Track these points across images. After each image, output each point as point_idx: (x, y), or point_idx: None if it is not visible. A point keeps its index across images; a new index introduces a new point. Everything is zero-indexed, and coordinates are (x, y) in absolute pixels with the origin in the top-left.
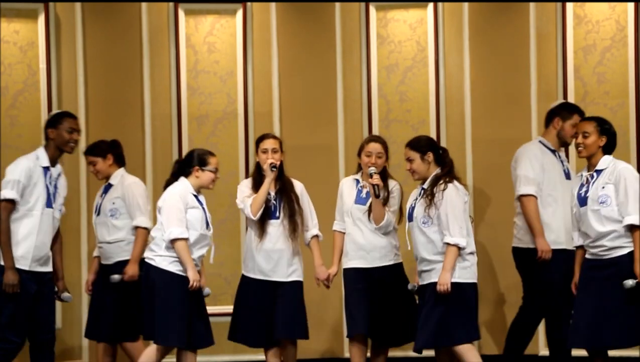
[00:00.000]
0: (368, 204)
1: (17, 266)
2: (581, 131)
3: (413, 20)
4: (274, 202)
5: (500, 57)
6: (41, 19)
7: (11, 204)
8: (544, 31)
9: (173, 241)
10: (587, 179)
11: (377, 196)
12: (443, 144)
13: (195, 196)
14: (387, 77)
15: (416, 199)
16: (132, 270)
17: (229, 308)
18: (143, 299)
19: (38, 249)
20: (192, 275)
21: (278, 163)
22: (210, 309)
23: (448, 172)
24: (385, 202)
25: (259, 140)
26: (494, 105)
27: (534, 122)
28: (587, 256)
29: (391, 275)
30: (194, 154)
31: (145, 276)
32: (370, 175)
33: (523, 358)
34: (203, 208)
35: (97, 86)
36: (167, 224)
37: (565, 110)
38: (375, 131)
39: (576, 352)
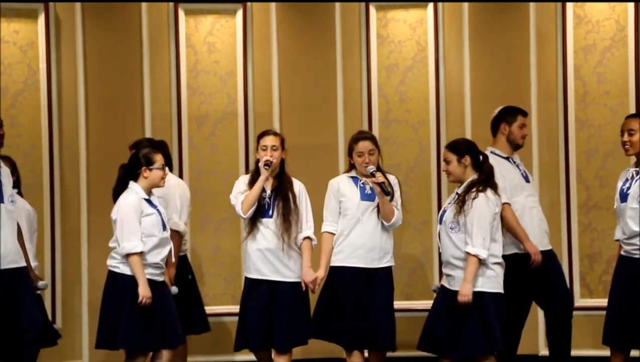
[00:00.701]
0: (376, 201)
1: None
2: (626, 129)
3: (413, 20)
4: (269, 200)
5: (500, 57)
6: (41, 19)
7: None
8: (544, 31)
9: (126, 256)
10: (633, 175)
11: (387, 194)
12: (443, 144)
13: (148, 201)
14: (387, 77)
15: (449, 203)
16: (171, 273)
17: (229, 308)
18: (107, 306)
19: (5, 245)
20: (141, 290)
21: (274, 161)
22: (209, 309)
23: (484, 179)
24: (392, 197)
25: (260, 136)
26: (494, 105)
27: (534, 122)
28: (621, 252)
29: (386, 276)
30: (139, 155)
31: (112, 284)
32: (372, 175)
33: (517, 358)
34: (157, 210)
35: (97, 86)
36: (121, 238)
37: (509, 113)
38: (375, 131)
39: (576, 352)
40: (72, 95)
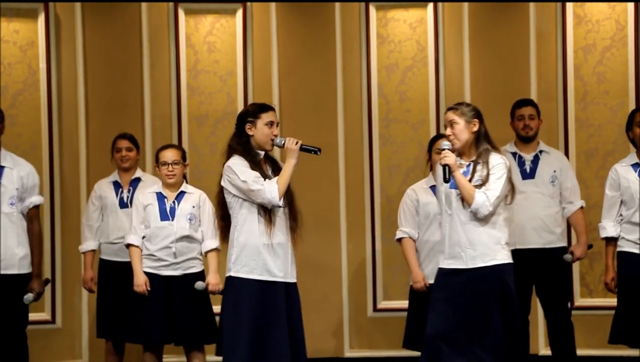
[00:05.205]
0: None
1: None
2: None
3: (413, 20)
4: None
5: (500, 57)
6: (41, 18)
7: None
8: (544, 31)
9: (127, 246)
10: None
11: (445, 181)
12: None
13: (157, 193)
14: (387, 76)
15: None
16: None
17: None
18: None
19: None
20: (135, 279)
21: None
22: None
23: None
24: (484, 181)
25: (260, 110)
26: (494, 105)
27: None
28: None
29: (493, 278)
30: None
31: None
32: (440, 151)
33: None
34: (160, 201)
35: (97, 86)
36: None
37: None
38: (375, 131)
39: (580, 352)
40: (72, 95)
